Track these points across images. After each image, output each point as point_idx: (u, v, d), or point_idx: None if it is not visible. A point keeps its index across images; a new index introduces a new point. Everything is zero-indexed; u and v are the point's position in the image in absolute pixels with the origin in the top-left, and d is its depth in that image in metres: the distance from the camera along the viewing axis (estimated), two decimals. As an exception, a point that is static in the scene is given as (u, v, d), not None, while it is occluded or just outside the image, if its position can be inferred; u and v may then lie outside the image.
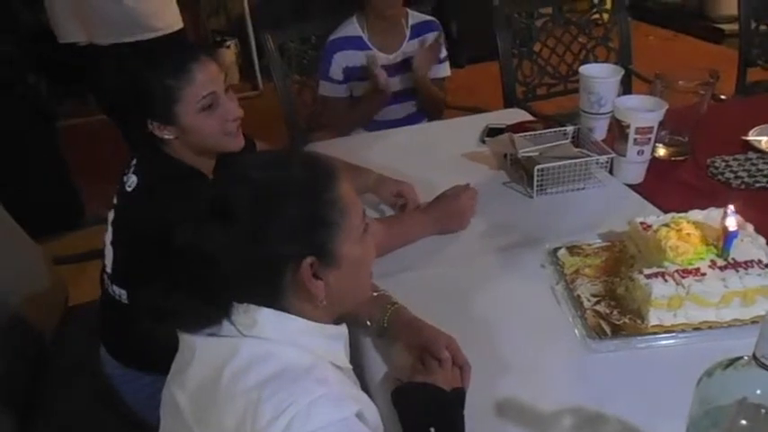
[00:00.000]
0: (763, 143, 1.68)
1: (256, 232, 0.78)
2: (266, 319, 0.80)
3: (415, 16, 2.22)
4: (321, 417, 0.72)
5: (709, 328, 1.08)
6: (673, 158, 1.67)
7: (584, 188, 1.56)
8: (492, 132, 1.86)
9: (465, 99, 2.84)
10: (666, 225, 1.17)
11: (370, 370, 1.08)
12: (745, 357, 0.68)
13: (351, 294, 0.90)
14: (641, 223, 1.22)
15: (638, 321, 1.10)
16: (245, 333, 0.79)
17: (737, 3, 2.67)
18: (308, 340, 0.82)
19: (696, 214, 1.23)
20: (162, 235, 0.82)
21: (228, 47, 4.71)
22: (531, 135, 1.65)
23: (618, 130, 1.55)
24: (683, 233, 1.13)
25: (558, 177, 1.54)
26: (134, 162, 1.32)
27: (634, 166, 1.57)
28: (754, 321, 1.08)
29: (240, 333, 0.80)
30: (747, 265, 1.09)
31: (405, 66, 2.19)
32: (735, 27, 2.91)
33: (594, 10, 2.60)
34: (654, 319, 1.08)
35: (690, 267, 1.09)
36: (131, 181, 1.28)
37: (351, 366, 0.92)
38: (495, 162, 1.73)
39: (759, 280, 1.07)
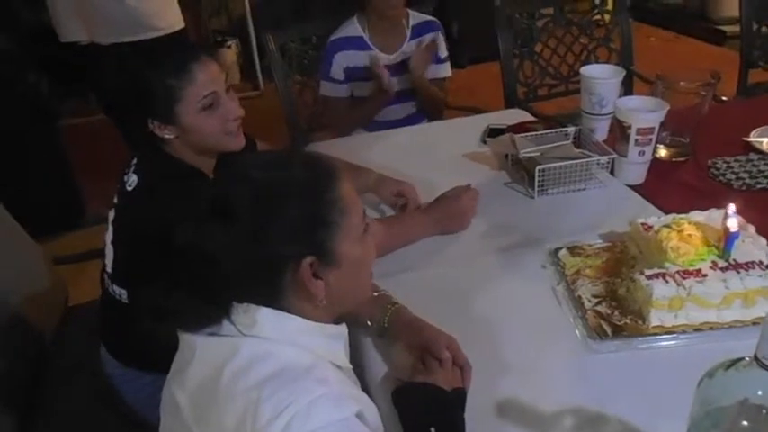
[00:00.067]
0: (764, 144, 1.68)
1: (257, 232, 0.78)
2: (266, 318, 0.80)
3: (415, 16, 2.23)
4: (321, 416, 0.72)
5: (710, 329, 1.08)
6: (674, 159, 1.67)
7: (585, 189, 1.56)
8: (493, 133, 1.86)
9: (466, 99, 2.85)
10: (667, 226, 1.17)
11: (371, 370, 1.08)
12: (747, 358, 0.68)
13: (351, 294, 0.90)
14: (642, 224, 1.22)
15: (639, 322, 1.10)
16: (245, 332, 0.79)
17: (739, 4, 2.66)
18: (307, 340, 0.82)
19: (697, 215, 1.22)
20: (162, 234, 0.82)
21: (229, 47, 4.72)
22: (532, 135, 1.65)
23: (619, 131, 1.55)
24: (685, 234, 1.13)
25: (559, 178, 1.53)
26: (134, 161, 1.32)
27: (635, 166, 1.57)
28: (755, 322, 1.08)
29: (240, 332, 0.80)
30: (748, 266, 1.09)
31: (405, 66, 2.19)
32: (736, 29, 2.91)
33: (596, 11, 2.60)
34: (655, 319, 1.08)
35: (691, 268, 1.09)
36: (132, 180, 1.28)
37: (351, 366, 0.92)
38: (495, 162, 1.73)
39: (760, 281, 1.07)
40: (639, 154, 1.54)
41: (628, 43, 2.56)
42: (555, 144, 1.61)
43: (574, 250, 1.30)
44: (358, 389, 0.89)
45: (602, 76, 1.71)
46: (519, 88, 2.55)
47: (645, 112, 1.53)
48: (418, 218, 1.43)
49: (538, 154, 1.57)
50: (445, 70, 2.30)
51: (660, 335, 1.08)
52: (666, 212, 1.31)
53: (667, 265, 1.10)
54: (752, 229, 1.18)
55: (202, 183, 1.26)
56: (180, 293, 0.80)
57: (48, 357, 1.60)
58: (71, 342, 1.66)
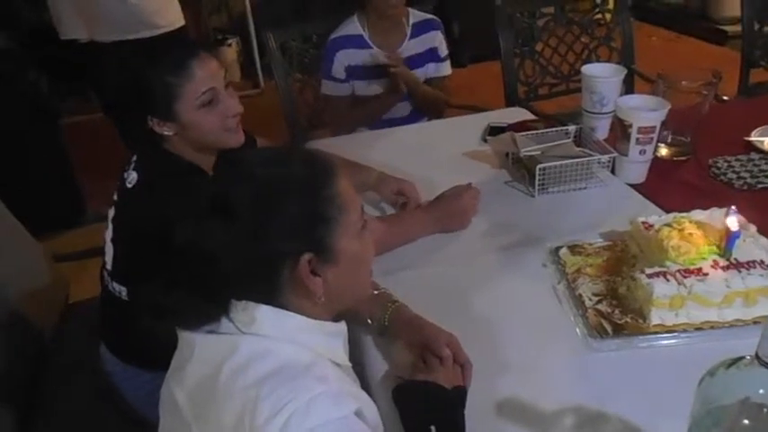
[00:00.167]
0: (765, 144, 1.68)
1: (257, 229, 0.78)
2: (265, 316, 0.80)
3: (416, 15, 2.22)
4: (320, 414, 0.71)
5: (711, 328, 1.08)
6: (675, 158, 1.67)
7: (585, 187, 1.56)
8: (494, 131, 1.85)
9: (467, 98, 2.84)
10: (668, 225, 1.17)
11: (371, 368, 1.08)
12: (748, 357, 0.68)
13: (349, 291, 0.90)
14: (643, 223, 1.22)
15: (640, 321, 1.10)
16: (244, 330, 0.79)
17: (740, 4, 2.66)
18: (306, 337, 0.82)
19: (698, 214, 1.22)
20: (162, 231, 0.82)
21: (230, 45, 4.72)
22: (532, 134, 1.65)
23: (620, 130, 1.55)
24: (686, 233, 1.13)
25: (559, 177, 1.53)
26: (134, 158, 1.32)
27: (636, 165, 1.56)
28: (755, 321, 1.08)
29: (239, 330, 0.79)
30: (749, 265, 1.09)
31: (405, 64, 2.19)
32: (738, 28, 2.91)
33: (597, 10, 2.59)
34: (655, 318, 1.08)
35: (692, 267, 1.09)
36: (132, 177, 1.28)
37: (350, 364, 0.91)
38: (496, 161, 1.73)
39: (761, 280, 1.07)
40: (640, 153, 1.53)
41: (629, 42, 2.56)
42: (556, 143, 1.61)
43: (574, 249, 1.30)
44: (357, 387, 0.88)
45: (603, 75, 1.71)
46: (520, 87, 2.55)
47: (646, 110, 1.53)
48: (419, 216, 1.43)
49: (538, 152, 1.57)
50: (446, 69, 2.29)
51: (661, 334, 1.08)
52: (667, 211, 1.31)
53: (668, 263, 1.10)
54: (753, 228, 1.18)
55: (202, 180, 1.26)
56: (179, 291, 0.80)
57: (47, 355, 1.59)
58: (71, 340, 1.66)
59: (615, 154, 1.55)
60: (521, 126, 1.79)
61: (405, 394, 0.97)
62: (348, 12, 2.19)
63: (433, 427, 0.89)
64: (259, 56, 4.63)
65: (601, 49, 2.57)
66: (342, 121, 2.24)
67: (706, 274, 1.08)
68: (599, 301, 1.16)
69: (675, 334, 1.08)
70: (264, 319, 0.80)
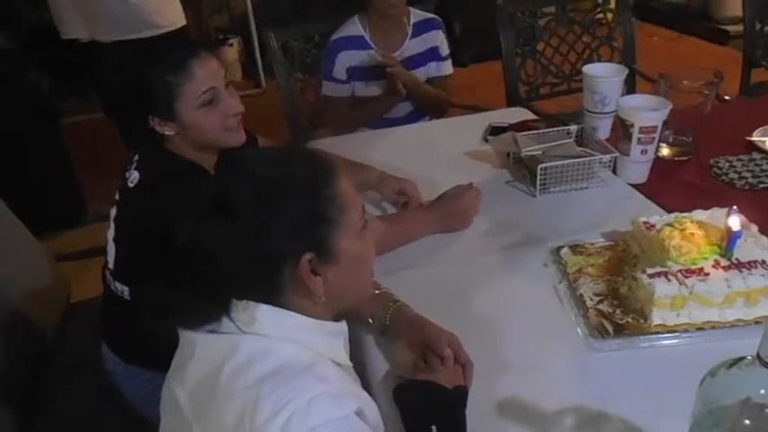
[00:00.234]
0: (766, 144, 1.68)
1: (258, 228, 0.78)
2: (265, 315, 0.80)
3: (417, 14, 2.22)
4: (320, 414, 0.71)
5: (713, 328, 1.08)
6: (676, 158, 1.67)
7: (587, 187, 1.56)
8: (495, 131, 1.85)
9: (468, 98, 2.84)
10: (670, 225, 1.17)
11: (373, 368, 1.08)
12: (749, 357, 0.67)
13: (350, 291, 0.90)
14: (644, 223, 1.22)
15: (641, 321, 1.10)
16: (245, 330, 0.79)
17: (742, 4, 2.66)
18: (307, 337, 0.82)
19: (700, 214, 1.22)
20: (163, 231, 0.82)
21: (231, 45, 4.72)
22: (534, 134, 1.65)
23: (621, 130, 1.54)
24: (687, 233, 1.13)
25: (561, 176, 1.53)
26: (136, 158, 1.32)
27: (637, 165, 1.56)
28: (757, 322, 1.07)
29: (240, 330, 0.79)
30: (751, 265, 1.09)
31: (406, 64, 2.18)
32: (739, 28, 2.91)
33: (598, 9, 2.59)
34: (657, 318, 1.08)
35: (693, 267, 1.09)
36: (133, 177, 1.28)
37: (351, 364, 0.91)
38: (497, 161, 1.73)
39: (762, 280, 1.07)
40: (642, 153, 1.53)
41: (630, 42, 2.55)
42: (557, 142, 1.60)
43: (576, 249, 1.29)
44: (358, 386, 0.88)
45: (604, 75, 1.71)
46: (521, 87, 2.55)
47: (648, 110, 1.53)
48: (420, 216, 1.43)
49: (540, 152, 1.57)
50: (447, 68, 2.29)
51: (662, 334, 1.08)
52: (669, 211, 1.30)
53: (669, 263, 1.10)
54: (754, 228, 1.18)
55: (203, 179, 1.26)
56: (180, 290, 0.80)
57: (49, 354, 1.60)
58: (72, 339, 1.66)
59: (617, 154, 1.54)
60: (522, 126, 1.79)
61: (406, 394, 0.97)
62: (349, 12, 2.19)
63: (434, 427, 0.89)
64: (260, 56, 4.63)
65: (602, 48, 2.57)
66: (342, 123, 2.24)
67: (707, 274, 1.08)
68: (600, 301, 1.16)
69: (677, 334, 1.08)
70: (265, 318, 0.80)
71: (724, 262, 1.10)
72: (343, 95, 2.22)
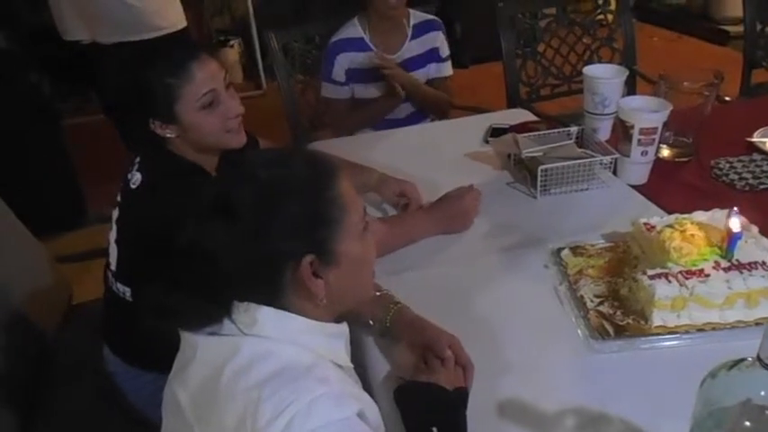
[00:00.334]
0: (767, 145, 1.68)
1: (258, 230, 0.78)
2: (266, 317, 0.80)
3: (417, 16, 2.22)
4: (322, 415, 0.72)
5: (713, 329, 1.08)
6: (677, 159, 1.67)
7: (587, 189, 1.56)
8: (495, 132, 1.86)
9: (468, 99, 2.84)
10: (670, 226, 1.16)
11: (373, 369, 1.08)
12: (749, 359, 0.67)
13: (351, 293, 0.90)
14: (645, 224, 1.22)
15: (642, 322, 1.10)
16: (246, 332, 0.79)
17: (742, 5, 2.66)
18: (308, 339, 0.82)
19: (700, 215, 1.22)
20: (165, 232, 0.82)
21: (232, 46, 4.72)
22: (534, 135, 1.65)
23: (622, 131, 1.55)
24: (687, 234, 1.13)
25: (561, 178, 1.53)
26: (138, 160, 1.32)
27: (638, 166, 1.56)
28: (757, 323, 1.08)
29: (241, 332, 0.79)
30: (751, 266, 1.09)
31: (406, 66, 2.19)
32: (739, 29, 2.91)
33: (599, 11, 2.59)
34: (657, 319, 1.08)
35: (693, 268, 1.09)
36: (136, 178, 1.28)
37: (352, 365, 0.91)
38: (498, 162, 1.73)
39: (763, 282, 1.07)
40: (642, 154, 1.53)
41: (631, 43, 2.55)
42: (557, 144, 1.61)
43: (576, 250, 1.30)
44: (359, 388, 0.88)
45: (605, 76, 1.71)
46: (522, 88, 2.55)
47: (648, 111, 1.53)
48: (420, 217, 1.43)
49: (540, 154, 1.57)
50: (447, 69, 2.29)
51: (662, 335, 1.08)
52: (669, 212, 1.31)
53: (670, 265, 1.10)
54: (755, 229, 1.18)
55: (204, 180, 1.26)
56: (181, 292, 0.80)
57: (50, 356, 1.60)
58: (74, 340, 1.66)
59: (617, 155, 1.55)
60: (523, 127, 1.79)
61: (406, 395, 0.97)
62: (349, 13, 2.19)
63: (434, 429, 0.89)
64: (261, 57, 4.63)
65: (603, 49, 2.57)
66: (342, 125, 2.24)
67: (708, 276, 1.08)
68: (601, 303, 1.16)
69: (677, 335, 1.08)
70: (266, 320, 0.80)
71: (724, 263, 1.10)
72: (343, 97, 2.22)
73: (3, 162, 2.84)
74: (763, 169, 1.58)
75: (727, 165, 1.61)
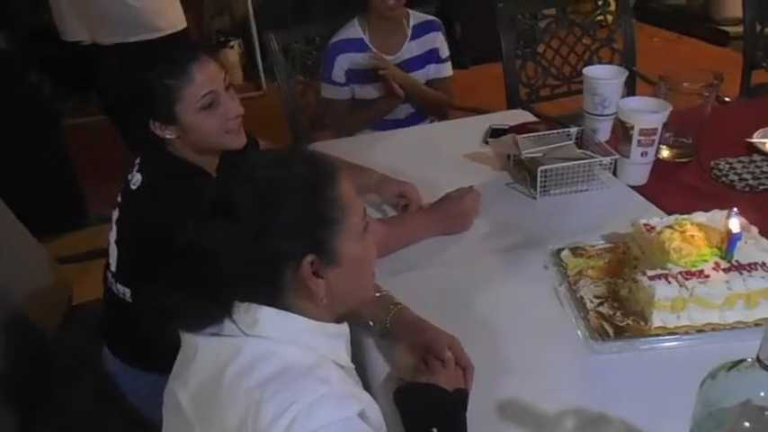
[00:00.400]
0: (767, 145, 1.68)
1: (259, 230, 0.78)
2: (267, 317, 0.80)
3: (416, 16, 2.22)
4: (323, 416, 0.72)
5: (713, 330, 1.08)
6: (677, 160, 1.67)
7: (587, 189, 1.56)
8: (495, 133, 1.86)
9: (468, 100, 2.84)
10: (670, 227, 1.17)
11: (373, 370, 1.08)
12: (749, 359, 0.68)
13: (351, 293, 0.90)
14: (645, 225, 1.22)
15: (642, 323, 1.10)
16: (247, 332, 0.80)
17: (742, 5, 2.66)
18: (309, 339, 0.82)
19: (700, 216, 1.22)
20: (166, 233, 0.82)
21: (232, 47, 4.72)
22: (534, 136, 1.65)
23: (622, 132, 1.55)
24: (687, 235, 1.13)
25: (561, 178, 1.53)
26: (138, 161, 1.32)
27: (638, 167, 1.56)
28: (757, 324, 1.08)
29: (242, 332, 0.80)
30: (751, 267, 1.09)
31: (406, 66, 2.19)
32: (739, 29, 2.91)
33: (598, 11, 2.59)
34: (657, 320, 1.08)
35: (693, 269, 1.09)
36: (136, 179, 1.28)
37: (353, 365, 0.92)
38: (498, 163, 1.73)
39: (762, 282, 1.07)
40: (642, 155, 1.54)
41: (630, 44, 2.55)
42: (557, 145, 1.61)
43: (576, 251, 1.30)
44: (360, 388, 0.88)
45: (604, 77, 1.71)
46: (521, 89, 2.55)
47: (648, 112, 1.53)
48: (420, 218, 1.43)
49: (540, 154, 1.57)
50: (447, 70, 2.29)
51: (662, 336, 1.08)
52: (669, 213, 1.31)
53: (670, 266, 1.10)
54: (755, 230, 1.18)
55: (205, 181, 1.26)
56: (182, 293, 0.80)
57: (50, 356, 1.60)
58: (74, 341, 1.66)
59: (617, 156, 1.55)
60: (522, 128, 1.79)
61: (406, 396, 0.97)
62: (349, 13, 2.19)
63: (434, 430, 0.89)
64: (261, 58, 4.63)
65: (602, 50, 2.57)
66: (341, 125, 2.24)
67: (707, 276, 1.08)
68: (600, 304, 1.16)
69: (677, 336, 1.08)
70: (267, 320, 0.80)
71: (724, 264, 1.10)
72: (343, 98, 2.22)
73: (3, 162, 2.84)
74: (762, 170, 1.58)
75: (727, 165, 1.61)
